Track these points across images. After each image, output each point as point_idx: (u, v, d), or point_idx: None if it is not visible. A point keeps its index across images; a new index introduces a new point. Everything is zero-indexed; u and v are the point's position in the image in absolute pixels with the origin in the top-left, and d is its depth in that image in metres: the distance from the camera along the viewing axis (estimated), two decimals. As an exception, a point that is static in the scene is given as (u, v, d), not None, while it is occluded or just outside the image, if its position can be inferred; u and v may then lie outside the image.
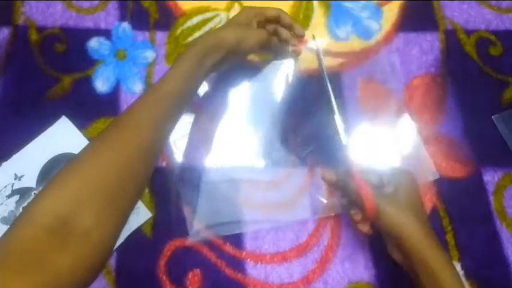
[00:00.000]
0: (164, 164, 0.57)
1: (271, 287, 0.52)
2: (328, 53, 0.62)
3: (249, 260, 0.53)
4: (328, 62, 0.62)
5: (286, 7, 0.64)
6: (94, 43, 0.62)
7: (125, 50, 0.62)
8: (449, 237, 0.54)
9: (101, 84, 0.60)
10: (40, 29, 0.62)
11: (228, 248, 0.53)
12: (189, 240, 0.53)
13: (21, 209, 0.53)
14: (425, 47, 0.63)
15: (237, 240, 0.54)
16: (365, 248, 0.54)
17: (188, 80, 0.47)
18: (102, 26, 0.63)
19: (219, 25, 0.63)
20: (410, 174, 0.49)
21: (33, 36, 0.62)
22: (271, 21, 0.56)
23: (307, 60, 0.61)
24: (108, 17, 0.63)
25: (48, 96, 0.59)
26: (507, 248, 0.54)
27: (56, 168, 0.55)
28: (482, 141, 0.58)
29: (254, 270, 0.53)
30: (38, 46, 0.61)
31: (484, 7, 0.65)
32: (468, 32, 0.64)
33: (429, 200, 0.56)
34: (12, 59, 0.61)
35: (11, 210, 0.54)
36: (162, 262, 0.53)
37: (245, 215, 0.54)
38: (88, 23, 0.63)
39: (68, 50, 0.61)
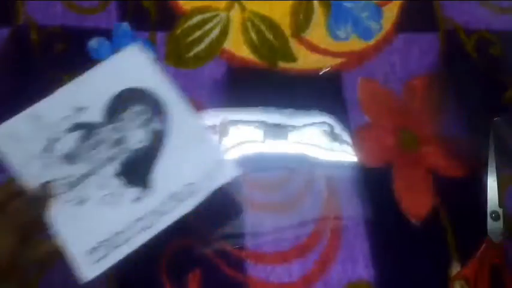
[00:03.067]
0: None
1: (271, 287, 0.52)
2: (328, 53, 0.62)
3: (249, 260, 0.53)
4: (328, 62, 0.62)
5: (286, 7, 0.64)
6: (94, 43, 0.62)
7: (125, 50, 0.62)
8: (449, 237, 0.54)
9: (101, 84, 0.60)
10: (40, 29, 0.62)
11: (228, 248, 0.53)
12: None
13: (87, 147, 0.45)
14: (425, 47, 0.63)
15: (237, 240, 0.54)
16: (365, 248, 0.54)
17: None
18: (102, 25, 0.63)
19: (219, 25, 0.63)
20: None
21: (33, 36, 0.62)
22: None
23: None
24: (108, 17, 0.63)
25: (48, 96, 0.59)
26: (507, 248, 0.54)
27: (121, 105, 0.47)
28: (482, 141, 0.58)
29: (254, 270, 0.53)
30: (38, 46, 0.61)
31: (485, 7, 0.65)
32: (468, 32, 0.64)
33: (429, 200, 0.56)
34: (12, 59, 0.61)
35: (75, 146, 0.46)
36: (162, 262, 0.53)
37: (246, 215, 0.54)
38: (88, 23, 0.63)
39: (68, 50, 0.61)
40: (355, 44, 0.63)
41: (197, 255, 0.53)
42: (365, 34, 0.63)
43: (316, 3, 0.65)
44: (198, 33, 0.63)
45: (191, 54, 0.62)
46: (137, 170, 0.46)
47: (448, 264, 0.53)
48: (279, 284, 0.52)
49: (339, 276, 0.53)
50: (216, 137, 0.49)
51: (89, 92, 0.47)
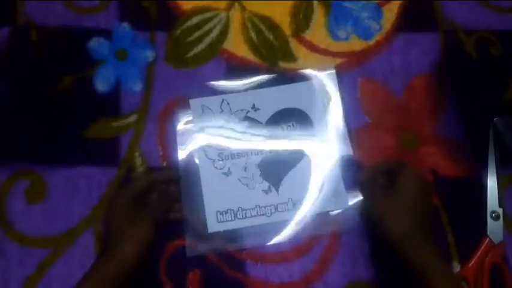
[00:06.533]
0: (165, 164, 0.57)
1: (271, 287, 0.52)
2: (328, 53, 0.62)
3: (249, 260, 0.53)
4: (329, 62, 0.62)
5: (286, 7, 0.64)
6: (94, 43, 0.62)
7: (125, 50, 0.62)
8: (449, 237, 0.54)
9: (101, 84, 0.60)
10: (40, 29, 0.62)
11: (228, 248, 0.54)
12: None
13: (249, 134, 0.57)
14: (425, 47, 0.63)
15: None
16: (365, 248, 0.54)
17: None
18: (102, 26, 0.63)
19: (219, 25, 0.63)
20: (415, 171, 0.51)
21: (33, 36, 0.62)
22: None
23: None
24: (108, 17, 0.63)
25: (48, 96, 0.59)
26: (507, 248, 0.54)
27: (282, 117, 0.58)
28: (482, 141, 0.58)
29: (254, 270, 0.53)
30: (38, 46, 0.61)
31: (484, 7, 0.65)
32: (468, 32, 0.64)
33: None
34: (12, 59, 0.61)
35: (241, 131, 0.58)
36: (162, 262, 0.53)
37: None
38: (88, 23, 0.63)
39: (68, 50, 0.61)
40: (355, 44, 0.63)
41: (197, 256, 0.53)
42: (365, 34, 0.63)
43: (316, 3, 0.65)
44: (197, 33, 0.63)
45: (191, 54, 0.62)
46: (273, 170, 0.56)
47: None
48: (279, 284, 0.52)
49: (339, 276, 0.53)
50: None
51: (268, 100, 0.59)
